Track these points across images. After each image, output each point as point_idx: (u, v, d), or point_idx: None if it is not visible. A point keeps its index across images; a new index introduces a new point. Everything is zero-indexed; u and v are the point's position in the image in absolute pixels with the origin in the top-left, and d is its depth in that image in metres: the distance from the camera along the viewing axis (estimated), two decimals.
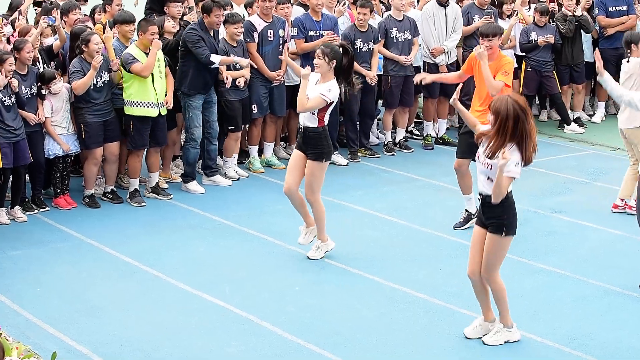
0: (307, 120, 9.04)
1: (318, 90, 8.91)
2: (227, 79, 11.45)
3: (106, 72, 10.68)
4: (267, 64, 11.95)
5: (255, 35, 11.88)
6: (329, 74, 8.96)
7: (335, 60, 8.93)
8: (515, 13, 14.11)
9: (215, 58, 11.08)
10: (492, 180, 7.00)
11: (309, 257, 9.27)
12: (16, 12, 12.05)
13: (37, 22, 11.65)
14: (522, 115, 6.85)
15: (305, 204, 9.29)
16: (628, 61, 10.81)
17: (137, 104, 10.71)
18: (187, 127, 11.40)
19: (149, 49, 10.67)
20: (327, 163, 9.19)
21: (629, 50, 10.86)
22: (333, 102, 8.98)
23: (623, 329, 7.80)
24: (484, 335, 7.49)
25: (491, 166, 7.02)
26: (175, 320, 7.92)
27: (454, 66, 13.32)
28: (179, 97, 11.33)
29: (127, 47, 10.85)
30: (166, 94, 10.96)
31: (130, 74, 10.63)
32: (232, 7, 12.55)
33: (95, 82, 10.51)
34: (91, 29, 11.08)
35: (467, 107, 13.87)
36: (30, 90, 10.25)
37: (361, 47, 12.49)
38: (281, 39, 12.04)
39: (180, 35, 11.34)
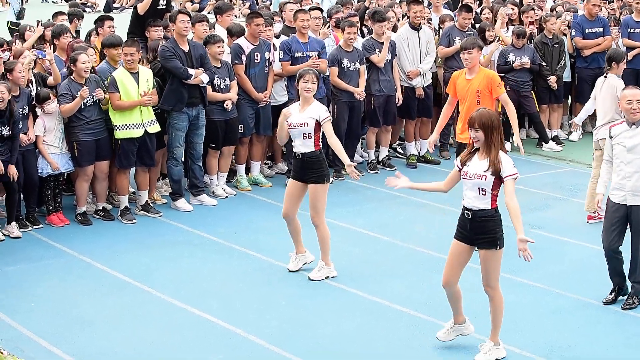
0: (302, 147, 9.12)
1: (313, 115, 9.02)
2: (227, 104, 11.74)
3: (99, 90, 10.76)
4: (254, 85, 12.13)
5: (243, 57, 12.07)
6: (312, 98, 9.16)
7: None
8: (497, 39, 14.34)
9: (192, 72, 11.21)
10: (485, 193, 7.24)
11: (310, 278, 9.26)
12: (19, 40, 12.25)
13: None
14: (500, 124, 7.35)
15: (300, 232, 9.40)
16: (605, 76, 10.89)
17: (119, 127, 10.86)
18: (169, 146, 11.56)
19: (137, 69, 10.89)
20: (328, 184, 9.26)
21: (609, 67, 10.98)
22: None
23: (600, 340, 7.98)
24: (476, 355, 7.57)
25: (485, 177, 7.23)
26: (164, 334, 8.08)
27: (430, 88, 13.60)
28: (166, 118, 11.52)
29: (116, 69, 11.03)
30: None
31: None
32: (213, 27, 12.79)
33: (85, 101, 10.64)
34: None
35: (446, 132, 14.18)
36: (22, 111, 10.35)
37: (348, 66, 12.72)
38: (267, 61, 12.23)
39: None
